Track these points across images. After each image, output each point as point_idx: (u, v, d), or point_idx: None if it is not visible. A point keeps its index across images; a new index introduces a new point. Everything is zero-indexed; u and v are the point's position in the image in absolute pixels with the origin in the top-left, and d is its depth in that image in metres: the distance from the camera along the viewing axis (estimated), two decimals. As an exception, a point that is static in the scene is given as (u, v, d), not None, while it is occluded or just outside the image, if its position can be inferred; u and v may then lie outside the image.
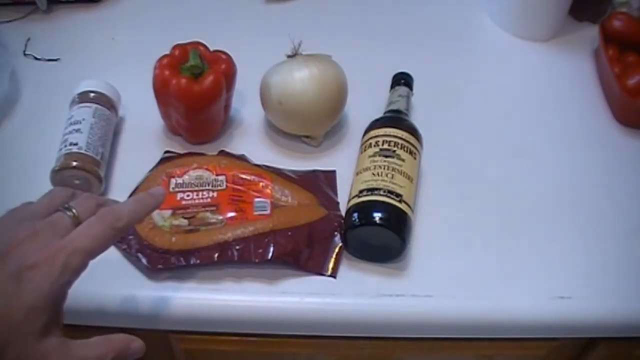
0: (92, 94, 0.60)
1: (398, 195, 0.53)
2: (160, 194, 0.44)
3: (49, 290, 0.36)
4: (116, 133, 0.63)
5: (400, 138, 0.57)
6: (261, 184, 0.57)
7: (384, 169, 0.55)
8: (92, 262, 0.47)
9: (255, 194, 0.57)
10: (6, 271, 0.36)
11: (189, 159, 0.59)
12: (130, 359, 0.40)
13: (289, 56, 0.63)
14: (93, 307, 0.52)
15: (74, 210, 0.40)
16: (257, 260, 0.52)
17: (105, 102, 0.61)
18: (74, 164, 0.55)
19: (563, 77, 0.75)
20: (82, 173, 0.56)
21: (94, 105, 0.60)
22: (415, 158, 0.58)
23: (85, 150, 0.57)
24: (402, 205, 0.53)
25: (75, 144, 0.57)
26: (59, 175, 0.56)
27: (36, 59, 0.72)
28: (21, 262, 0.36)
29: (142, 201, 0.43)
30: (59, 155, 0.57)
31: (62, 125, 0.60)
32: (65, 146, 0.57)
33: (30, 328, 0.36)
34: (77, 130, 0.58)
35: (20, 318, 0.35)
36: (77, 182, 0.56)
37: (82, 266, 0.38)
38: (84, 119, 0.59)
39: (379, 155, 0.56)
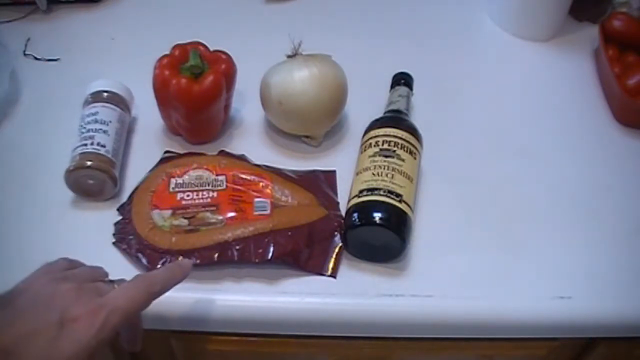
0: (105, 94, 0.60)
1: (398, 195, 0.53)
2: (187, 266, 0.46)
3: (88, 344, 0.38)
4: (116, 133, 0.63)
5: (400, 138, 0.57)
6: (261, 184, 0.57)
7: (384, 169, 0.55)
8: (92, 262, 0.48)
9: (255, 194, 0.57)
10: (49, 319, 0.37)
11: (189, 159, 0.60)
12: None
13: (289, 56, 0.63)
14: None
15: (114, 284, 0.43)
16: (257, 260, 0.52)
17: (123, 103, 0.61)
18: (101, 165, 0.56)
19: (563, 77, 0.75)
20: (102, 175, 0.56)
21: (119, 110, 0.60)
22: (415, 158, 0.58)
23: (112, 156, 0.57)
24: (402, 205, 0.53)
25: (104, 146, 0.57)
26: (75, 173, 0.55)
27: (36, 59, 0.72)
28: (64, 313, 0.38)
29: (172, 269, 0.45)
30: (78, 152, 0.56)
31: (63, 125, 0.60)
32: (92, 144, 0.56)
33: None
34: (105, 132, 0.58)
35: None
36: (90, 182, 0.56)
37: (119, 325, 0.40)
38: (110, 121, 0.59)
39: (379, 155, 0.56)
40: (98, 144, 0.56)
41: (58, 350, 0.36)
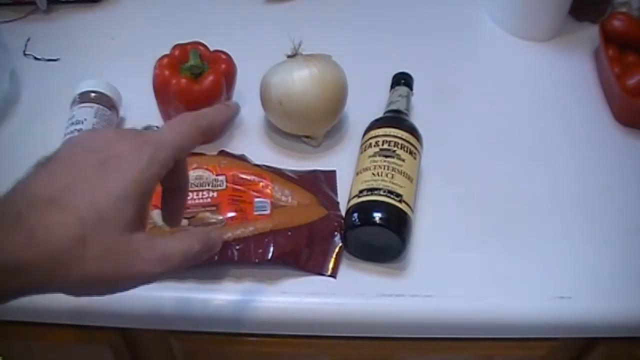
0: (93, 94, 0.60)
1: (398, 195, 0.53)
2: (235, 105, 0.44)
3: (137, 180, 0.34)
4: (116, 133, 0.63)
5: (400, 138, 0.57)
6: (261, 184, 0.57)
7: (384, 169, 0.55)
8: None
9: (255, 194, 0.57)
10: (91, 161, 0.34)
11: (189, 158, 0.59)
12: (214, 249, 0.39)
13: (289, 56, 0.63)
14: (94, 307, 0.52)
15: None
16: (257, 260, 0.52)
17: (106, 102, 0.61)
18: None
19: (563, 77, 0.75)
20: None
21: (96, 106, 0.60)
22: (415, 158, 0.58)
23: None
24: (402, 205, 0.53)
25: None
26: None
27: (36, 59, 0.72)
28: (107, 152, 0.35)
29: (219, 108, 0.43)
30: None
31: (63, 125, 0.60)
32: None
33: (118, 219, 0.33)
34: (79, 130, 0.58)
35: (108, 207, 0.33)
36: None
37: (169, 159, 0.37)
38: (85, 119, 0.59)
39: (379, 155, 0.56)
40: None
41: (106, 187, 0.34)
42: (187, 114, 0.40)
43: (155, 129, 0.40)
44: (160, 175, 0.36)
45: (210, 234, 0.39)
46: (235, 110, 0.44)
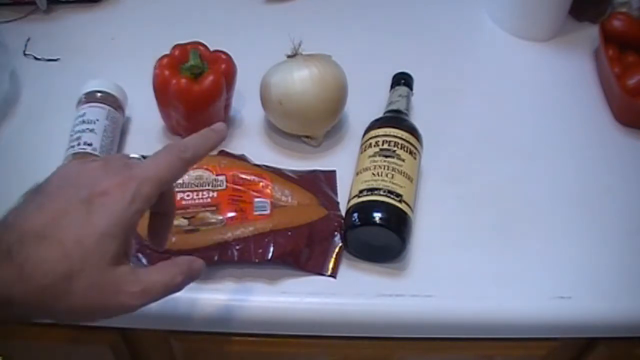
0: (99, 94, 0.60)
1: (398, 195, 0.53)
2: (222, 129, 0.44)
3: (121, 216, 0.36)
4: (116, 133, 0.63)
5: (400, 138, 0.57)
6: (261, 184, 0.57)
7: (384, 169, 0.55)
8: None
9: (255, 194, 0.57)
10: (78, 197, 0.36)
11: (189, 159, 0.59)
12: (195, 278, 0.41)
13: (289, 56, 0.63)
14: (93, 307, 0.52)
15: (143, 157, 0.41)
16: (257, 260, 0.52)
17: (113, 102, 0.61)
18: None
19: (563, 77, 0.75)
20: None
21: (108, 107, 0.60)
22: (415, 158, 0.58)
23: (100, 152, 0.57)
24: (402, 205, 0.53)
25: (90, 145, 0.57)
26: None
27: (36, 59, 0.72)
28: (92, 188, 0.36)
29: (205, 135, 0.43)
30: (69, 153, 0.57)
31: (62, 125, 0.60)
32: (79, 144, 0.57)
33: (102, 255, 0.35)
34: (91, 131, 0.58)
35: (93, 244, 0.35)
36: None
37: (153, 194, 0.38)
38: (97, 120, 0.59)
39: (379, 155, 0.56)
40: (84, 142, 0.57)
41: (90, 226, 0.35)
42: (172, 145, 0.40)
43: (140, 159, 0.40)
44: (144, 210, 0.38)
45: (193, 264, 0.41)
46: (223, 135, 0.44)
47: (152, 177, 0.38)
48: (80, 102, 0.61)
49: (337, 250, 0.55)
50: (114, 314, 0.37)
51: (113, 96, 0.61)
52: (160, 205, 0.42)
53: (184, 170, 0.40)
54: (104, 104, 0.60)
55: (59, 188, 0.37)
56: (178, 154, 0.39)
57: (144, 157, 0.41)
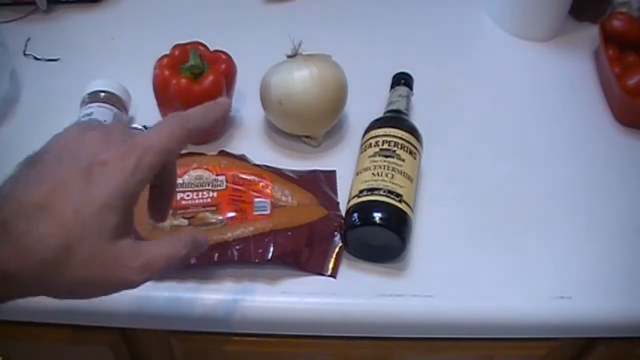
0: (103, 94, 0.60)
1: (398, 195, 0.53)
2: (226, 102, 0.43)
3: (122, 187, 0.34)
4: (116, 133, 0.63)
5: (400, 138, 0.57)
6: (261, 184, 0.57)
7: (384, 169, 0.55)
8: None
9: (255, 194, 0.57)
10: (77, 167, 0.34)
11: (189, 158, 0.59)
12: (199, 252, 0.40)
13: (289, 56, 0.63)
14: (93, 307, 0.52)
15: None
16: (257, 260, 0.52)
17: (116, 102, 0.61)
18: None
19: (563, 77, 0.75)
20: None
21: (115, 109, 0.60)
22: (415, 158, 0.58)
23: None
24: (402, 205, 0.53)
25: None
26: None
27: (36, 59, 0.72)
28: (93, 158, 0.35)
29: (208, 107, 0.42)
30: None
31: (62, 125, 0.59)
32: None
33: (102, 228, 0.34)
34: None
35: (93, 216, 0.34)
36: None
37: (156, 164, 0.36)
38: (105, 121, 0.59)
39: (379, 155, 0.56)
40: None
41: (91, 196, 0.34)
42: (174, 115, 0.39)
43: (142, 129, 0.39)
44: (146, 181, 0.36)
45: (197, 237, 0.39)
46: (226, 108, 0.43)
47: (155, 146, 0.36)
48: (84, 102, 0.60)
49: (337, 250, 0.55)
50: (114, 290, 0.36)
51: (117, 96, 0.61)
52: (161, 178, 0.41)
53: (187, 140, 0.39)
54: (109, 104, 0.60)
55: (58, 158, 0.35)
56: (181, 124, 0.38)
57: (145, 127, 0.40)
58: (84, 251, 0.33)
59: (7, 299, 0.34)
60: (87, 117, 0.58)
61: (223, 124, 0.63)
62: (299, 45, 0.62)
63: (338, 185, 0.61)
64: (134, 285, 0.36)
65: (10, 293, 0.34)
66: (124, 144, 0.36)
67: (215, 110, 0.42)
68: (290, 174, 0.60)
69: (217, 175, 0.57)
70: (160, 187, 0.42)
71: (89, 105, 0.60)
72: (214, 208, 0.55)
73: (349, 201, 0.56)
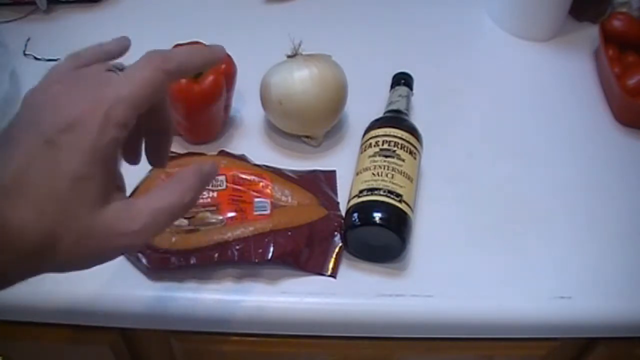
0: None
1: (398, 195, 0.53)
2: (220, 49, 0.39)
3: (93, 151, 0.31)
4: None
5: (400, 138, 0.57)
6: (261, 184, 0.57)
7: (384, 169, 0.55)
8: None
9: (255, 194, 0.57)
10: (41, 138, 0.31)
11: (189, 159, 0.59)
12: (209, 183, 0.36)
13: (289, 56, 0.63)
14: (93, 307, 0.52)
15: (123, 68, 0.34)
16: (257, 260, 0.52)
17: None
18: None
19: (563, 77, 0.75)
20: None
21: None
22: (415, 158, 0.58)
23: None
24: (402, 205, 0.53)
25: None
26: None
27: (36, 59, 0.72)
28: (54, 123, 0.31)
29: (195, 47, 0.38)
30: None
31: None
32: None
33: (82, 201, 0.31)
34: None
35: (67, 192, 0.30)
36: None
37: (128, 118, 0.32)
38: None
39: (379, 155, 0.56)
40: None
41: (60, 170, 0.30)
42: (152, 55, 0.35)
43: (121, 66, 0.35)
44: (120, 137, 0.32)
45: (203, 170, 0.35)
46: (218, 54, 0.38)
47: (126, 97, 0.32)
48: None
49: (337, 250, 0.55)
50: (116, 255, 0.33)
51: None
52: (155, 123, 0.38)
53: (164, 85, 0.34)
54: None
55: (23, 130, 0.32)
56: (158, 65, 0.34)
57: (121, 69, 0.35)
58: (69, 233, 0.31)
59: (4, 286, 0.31)
60: None
61: (217, 127, 0.63)
62: (299, 45, 0.62)
63: (338, 185, 0.61)
64: (137, 248, 0.33)
65: (3, 283, 0.31)
66: (90, 96, 0.32)
67: (204, 53, 0.37)
68: (290, 174, 0.60)
69: (217, 175, 0.57)
70: (154, 132, 0.39)
71: None
72: (214, 208, 0.55)
73: (349, 201, 0.56)
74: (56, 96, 0.32)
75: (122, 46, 0.39)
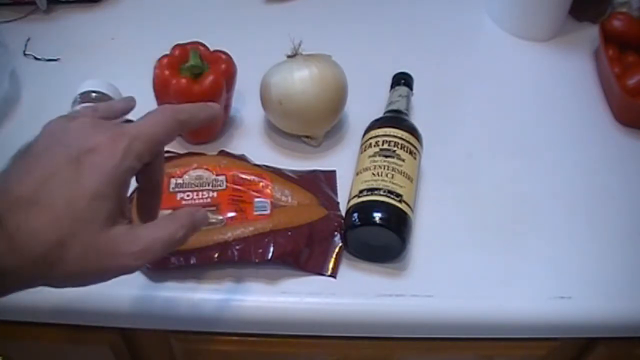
0: (94, 94, 0.60)
1: (398, 195, 0.53)
2: (217, 108, 0.42)
3: (112, 175, 0.34)
4: (116, 133, 0.63)
5: (400, 138, 0.57)
6: (261, 184, 0.57)
7: (384, 169, 0.55)
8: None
9: (255, 194, 0.57)
10: (66, 157, 0.34)
11: (189, 159, 0.59)
12: (199, 229, 0.39)
13: (289, 56, 0.63)
14: (93, 307, 0.52)
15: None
16: (257, 260, 0.52)
17: (104, 101, 0.61)
18: None
19: (563, 77, 0.75)
20: None
21: None
22: (415, 158, 0.58)
23: None
24: (402, 205, 0.53)
25: None
26: None
27: (36, 59, 0.72)
28: (81, 146, 0.34)
29: (199, 106, 0.41)
30: None
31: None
32: None
33: (94, 217, 0.34)
34: None
35: (84, 207, 0.33)
36: None
37: (145, 152, 0.36)
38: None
39: (379, 155, 0.56)
40: None
41: (80, 187, 0.33)
42: (166, 106, 0.39)
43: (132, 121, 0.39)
44: (135, 168, 0.36)
45: (195, 216, 0.39)
46: (216, 112, 0.42)
47: (145, 133, 0.36)
48: (75, 102, 0.60)
49: (337, 250, 0.55)
50: (112, 276, 0.35)
51: (108, 97, 0.61)
52: (151, 175, 0.41)
53: (177, 131, 0.38)
54: (94, 102, 0.60)
55: (46, 148, 0.35)
56: (172, 114, 0.38)
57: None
58: (78, 245, 0.33)
59: (5, 293, 0.33)
60: None
61: (217, 127, 0.63)
62: (299, 45, 0.62)
63: (338, 185, 0.61)
64: (132, 270, 0.36)
65: (4, 288, 0.33)
66: (113, 130, 0.36)
67: (205, 112, 0.41)
68: (290, 174, 0.60)
69: (217, 175, 0.57)
70: (147, 190, 0.42)
71: (80, 105, 0.60)
72: (214, 208, 0.55)
73: (349, 201, 0.56)
74: (83, 126, 0.36)
75: (130, 106, 0.44)
